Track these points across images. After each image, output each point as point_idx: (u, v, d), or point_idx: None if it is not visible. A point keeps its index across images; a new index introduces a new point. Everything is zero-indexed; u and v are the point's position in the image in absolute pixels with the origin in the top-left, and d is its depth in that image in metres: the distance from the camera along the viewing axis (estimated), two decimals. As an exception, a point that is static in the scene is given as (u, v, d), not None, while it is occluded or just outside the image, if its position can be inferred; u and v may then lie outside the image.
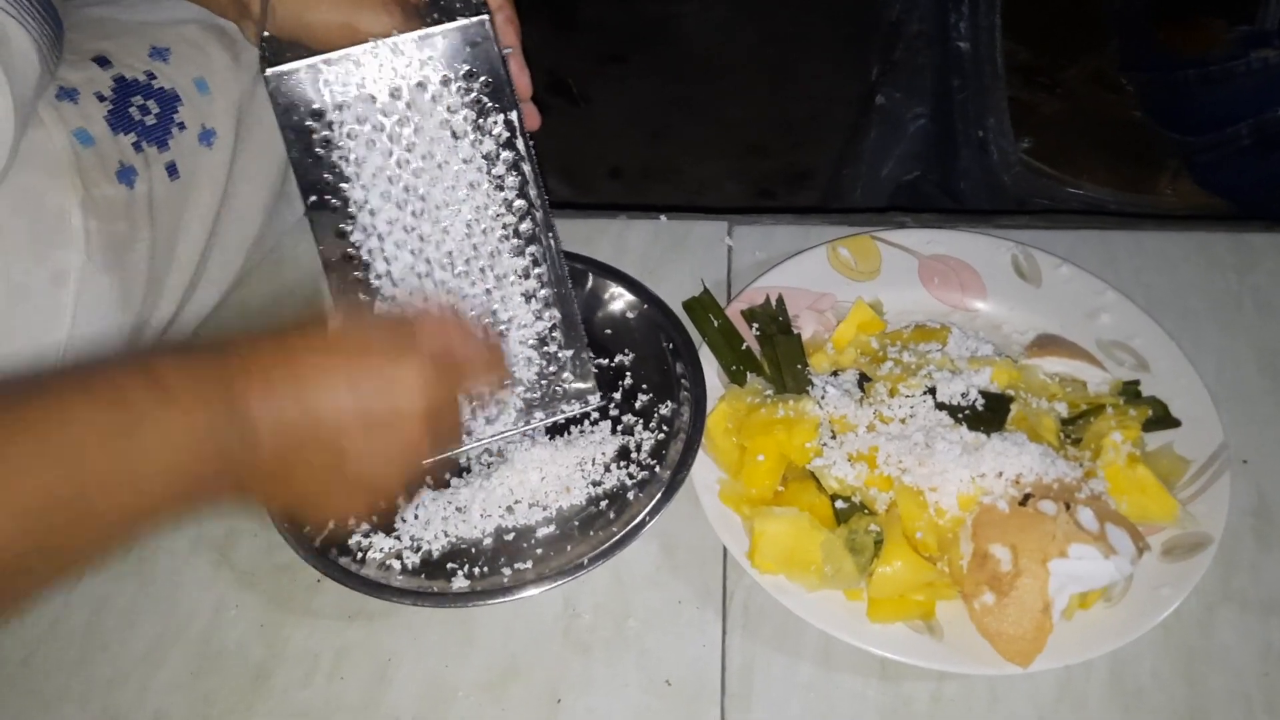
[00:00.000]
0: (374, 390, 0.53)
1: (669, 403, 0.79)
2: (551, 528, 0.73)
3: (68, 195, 0.68)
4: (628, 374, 0.81)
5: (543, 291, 0.71)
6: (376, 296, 0.68)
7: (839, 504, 0.70)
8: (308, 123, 0.62)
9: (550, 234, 0.69)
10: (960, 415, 0.72)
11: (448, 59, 0.62)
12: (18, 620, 0.71)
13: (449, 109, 0.63)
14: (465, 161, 0.65)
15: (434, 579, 0.71)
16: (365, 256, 0.66)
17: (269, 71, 0.59)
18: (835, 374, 0.78)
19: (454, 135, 0.64)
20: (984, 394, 0.73)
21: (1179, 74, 1.33)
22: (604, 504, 0.74)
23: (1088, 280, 0.84)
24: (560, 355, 0.74)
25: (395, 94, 0.62)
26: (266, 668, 0.69)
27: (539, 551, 0.72)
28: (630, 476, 0.75)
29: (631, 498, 0.74)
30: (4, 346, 0.66)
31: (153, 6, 0.77)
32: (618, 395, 0.80)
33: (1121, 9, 1.46)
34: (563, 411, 0.76)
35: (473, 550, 0.72)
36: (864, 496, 0.70)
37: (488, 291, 0.70)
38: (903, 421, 0.73)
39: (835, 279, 0.86)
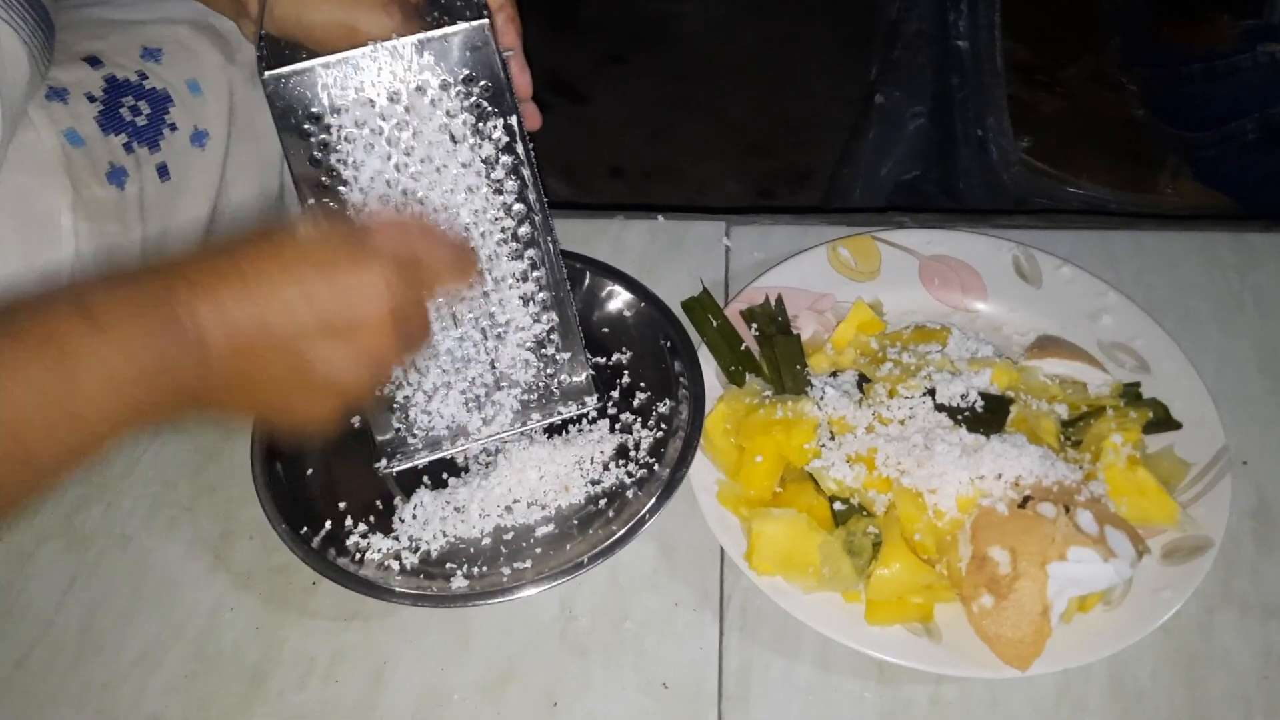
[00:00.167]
0: (331, 297, 0.51)
1: (667, 401, 0.78)
2: (550, 527, 0.73)
3: (58, 196, 0.67)
4: (625, 372, 0.81)
5: (541, 294, 0.71)
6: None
7: (837, 505, 0.70)
8: (305, 125, 0.61)
9: (549, 237, 0.69)
10: (960, 417, 0.72)
11: (447, 63, 0.61)
12: (12, 622, 0.71)
13: (448, 113, 0.62)
14: (464, 165, 0.64)
15: (433, 579, 0.70)
16: None
17: (267, 74, 0.59)
18: (834, 375, 0.77)
19: (453, 139, 0.63)
20: (984, 395, 0.73)
21: (1183, 69, 1.32)
22: (603, 502, 0.74)
23: (1089, 281, 0.84)
24: (558, 357, 0.74)
25: (394, 98, 0.61)
26: (262, 670, 0.69)
27: (538, 551, 0.72)
28: (629, 475, 0.75)
29: (630, 496, 0.74)
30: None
31: (145, 6, 0.77)
32: (616, 394, 0.80)
33: (1124, 5, 1.45)
34: (560, 413, 0.76)
35: (471, 550, 0.72)
36: (862, 498, 0.70)
37: (485, 294, 0.69)
38: (902, 423, 0.73)
39: (835, 279, 0.85)
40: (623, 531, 0.70)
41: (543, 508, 0.74)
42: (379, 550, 0.72)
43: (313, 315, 0.51)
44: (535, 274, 0.70)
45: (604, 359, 0.82)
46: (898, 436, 0.71)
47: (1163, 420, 0.75)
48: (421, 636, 0.70)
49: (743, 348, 0.80)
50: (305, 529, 0.71)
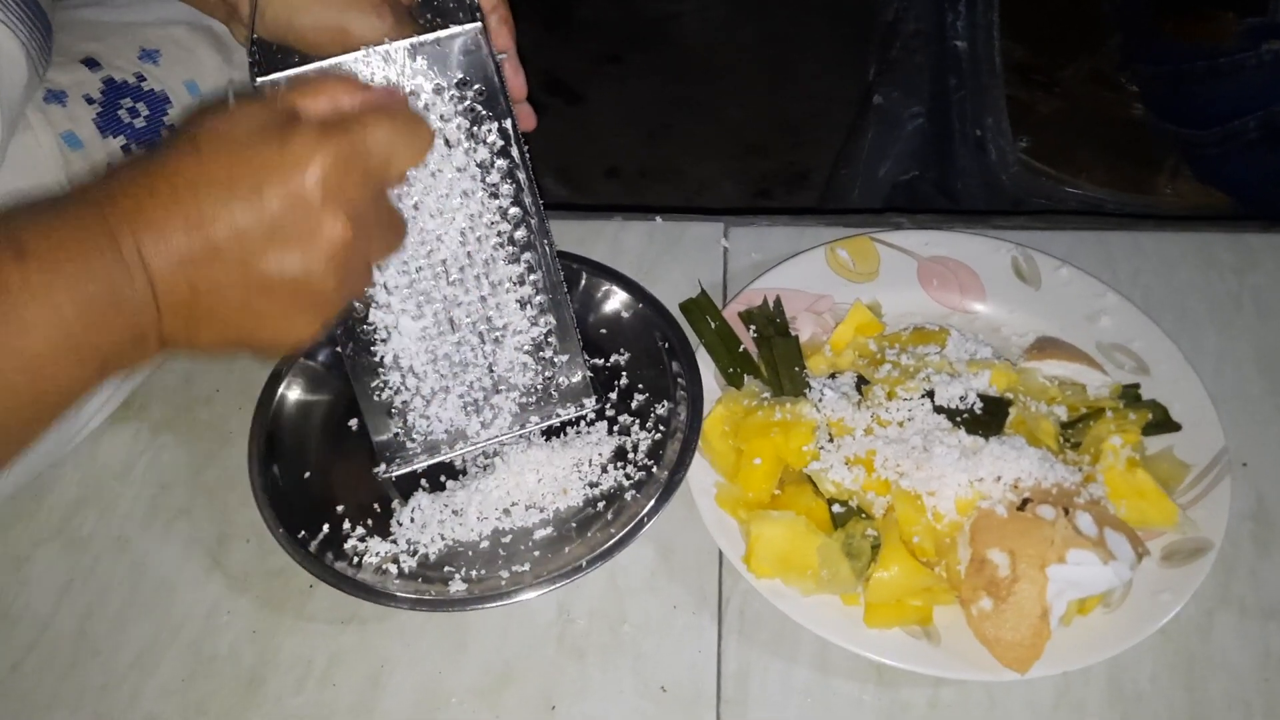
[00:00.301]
0: (269, 195, 0.47)
1: (665, 402, 0.78)
2: (549, 529, 0.73)
3: None
4: (623, 374, 0.81)
5: (538, 298, 0.71)
6: (370, 304, 0.67)
7: (836, 508, 0.70)
8: None
9: (545, 240, 0.69)
10: (959, 419, 0.72)
11: (441, 67, 0.61)
12: (9, 624, 0.71)
13: (442, 117, 0.62)
14: (459, 170, 0.64)
15: (431, 582, 0.70)
16: None
17: (259, 80, 0.58)
18: (833, 376, 0.77)
19: (447, 144, 0.63)
20: (982, 397, 0.73)
21: (1185, 67, 1.32)
22: (601, 505, 0.74)
23: (1088, 282, 0.84)
24: (556, 360, 0.74)
25: None
26: (259, 673, 0.69)
27: (536, 554, 0.72)
28: (627, 477, 0.75)
29: (629, 498, 0.74)
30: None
31: (142, 8, 0.77)
32: (613, 395, 0.80)
33: (1125, 2, 1.45)
34: (559, 415, 0.76)
35: (469, 553, 0.72)
36: (861, 500, 0.70)
37: (482, 298, 0.69)
38: (900, 425, 0.72)
39: (833, 280, 0.85)
40: (621, 534, 0.70)
41: (541, 510, 0.74)
42: (377, 553, 0.72)
43: (254, 221, 0.47)
44: (532, 277, 0.70)
45: (602, 360, 0.82)
46: (896, 439, 0.71)
47: (1162, 422, 0.74)
48: (419, 640, 0.70)
49: (741, 349, 0.80)
50: (303, 532, 0.71)
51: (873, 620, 0.66)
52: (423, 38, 0.59)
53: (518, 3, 0.68)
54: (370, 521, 0.73)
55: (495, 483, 0.74)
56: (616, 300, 0.84)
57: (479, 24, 0.60)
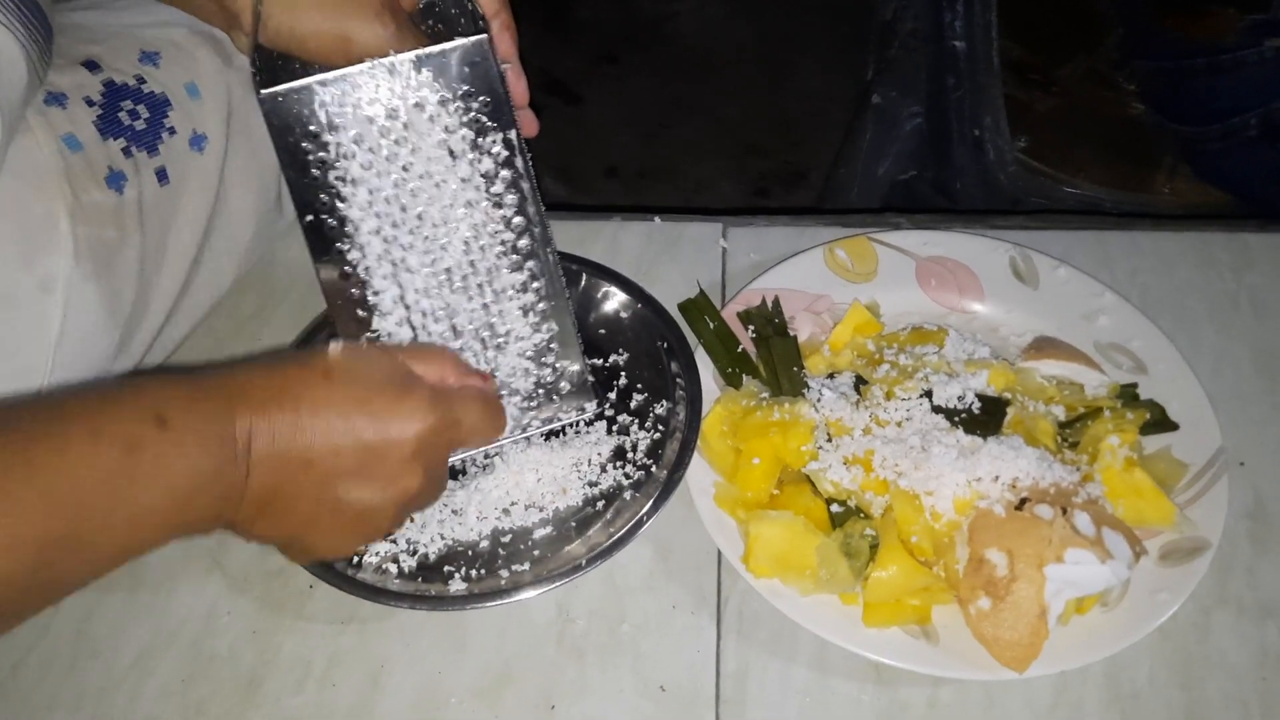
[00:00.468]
0: (372, 433, 0.54)
1: (664, 402, 0.78)
2: (548, 529, 0.73)
3: (56, 202, 0.67)
4: (622, 374, 0.81)
5: (540, 305, 0.71)
6: (375, 313, 0.67)
7: (834, 508, 0.70)
8: (303, 143, 0.61)
9: (548, 248, 0.69)
10: (957, 418, 0.72)
11: (446, 79, 0.61)
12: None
13: (446, 129, 0.62)
14: (463, 180, 0.64)
15: (431, 582, 0.70)
16: (362, 274, 0.66)
17: (264, 93, 0.58)
18: (831, 376, 0.77)
19: (452, 155, 0.63)
20: (980, 397, 0.73)
21: (1186, 63, 1.32)
22: (600, 504, 0.74)
23: (1086, 282, 0.84)
24: (558, 365, 0.74)
25: (392, 114, 0.61)
26: (258, 674, 0.69)
27: (536, 553, 0.72)
28: (626, 477, 0.75)
29: (628, 498, 0.74)
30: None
31: (142, 10, 0.77)
32: (613, 395, 0.80)
33: (1125, -1, 1.45)
34: (560, 419, 0.76)
35: (469, 553, 0.72)
36: (859, 500, 0.70)
37: (485, 306, 0.69)
38: (899, 425, 0.73)
39: (832, 280, 0.85)
40: (620, 534, 0.70)
41: (540, 510, 0.74)
42: (376, 553, 0.72)
43: (352, 447, 0.53)
44: (535, 285, 0.70)
45: (601, 360, 0.82)
46: (895, 438, 0.71)
47: (1160, 421, 0.75)
48: (418, 640, 0.70)
49: (739, 349, 0.80)
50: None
51: (871, 620, 0.66)
52: (428, 50, 0.59)
53: (516, 4, 0.68)
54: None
55: (495, 482, 0.74)
56: (615, 300, 0.84)
57: (485, 35, 0.60)
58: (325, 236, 0.64)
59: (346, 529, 0.57)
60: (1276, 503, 0.75)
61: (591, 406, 0.76)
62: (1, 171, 0.65)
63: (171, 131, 0.74)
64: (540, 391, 0.74)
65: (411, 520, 0.73)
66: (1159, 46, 1.37)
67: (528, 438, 0.76)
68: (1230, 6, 1.31)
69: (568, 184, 1.97)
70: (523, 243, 0.68)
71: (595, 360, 0.81)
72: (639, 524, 0.70)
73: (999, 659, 0.64)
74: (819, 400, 0.74)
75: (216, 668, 0.69)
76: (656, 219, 0.94)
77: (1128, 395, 0.77)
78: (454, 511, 0.74)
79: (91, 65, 0.72)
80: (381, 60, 0.59)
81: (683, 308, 0.83)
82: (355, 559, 0.71)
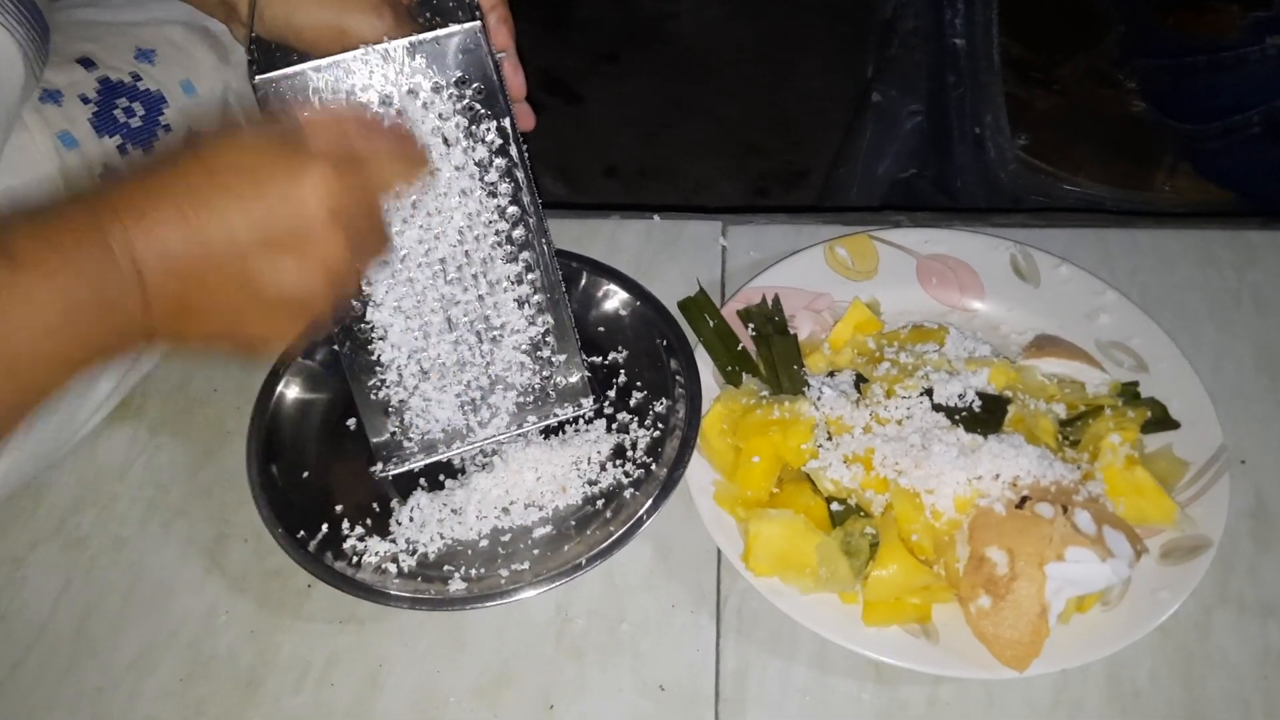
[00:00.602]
0: (269, 205, 0.49)
1: (664, 400, 0.78)
2: (548, 528, 0.73)
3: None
4: (621, 371, 0.81)
5: (536, 297, 0.71)
6: (369, 304, 0.67)
7: (834, 506, 0.70)
8: None
9: (543, 240, 0.68)
10: (957, 417, 0.72)
11: (439, 66, 0.61)
12: (6, 626, 0.71)
13: (440, 116, 0.62)
14: (457, 169, 0.64)
15: (431, 582, 0.70)
16: None
17: (258, 78, 0.58)
18: (831, 375, 0.77)
19: (446, 142, 0.63)
20: (981, 395, 0.73)
21: (1187, 60, 1.31)
22: (600, 503, 0.74)
23: (1087, 280, 0.84)
24: (554, 360, 0.74)
25: (386, 101, 0.61)
26: (257, 674, 0.68)
27: (535, 552, 0.72)
28: (626, 475, 0.75)
29: (628, 496, 0.74)
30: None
31: (138, 7, 0.77)
32: (612, 393, 0.80)
33: (1127, -4, 1.45)
34: (556, 414, 0.76)
35: (469, 552, 0.72)
36: (859, 499, 0.70)
37: (480, 298, 0.69)
38: (899, 423, 0.72)
39: (832, 279, 0.85)
40: (620, 532, 0.70)
41: (540, 509, 0.74)
42: (376, 553, 0.71)
43: (251, 228, 0.49)
44: (530, 276, 0.70)
45: (600, 358, 0.82)
46: (895, 437, 0.71)
47: (1161, 419, 0.74)
48: (417, 639, 0.70)
49: (739, 348, 0.80)
50: (301, 532, 0.71)
51: (871, 618, 0.66)
52: (421, 36, 0.59)
53: (516, 2, 0.68)
54: (369, 521, 0.73)
55: (494, 481, 0.74)
56: (615, 299, 0.84)
57: (478, 22, 0.60)
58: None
59: (280, 311, 0.53)
60: (1278, 501, 0.74)
61: (589, 403, 0.76)
62: (-2, 168, 0.65)
63: (167, 129, 0.74)
64: (536, 386, 0.74)
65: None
66: (1160, 44, 1.37)
67: (525, 434, 0.76)
68: (1232, 4, 1.30)
69: (567, 183, 1.97)
70: (517, 233, 0.67)
71: (595, 358, 0.81)
72: (638, 523, 0.70)
73: (999, 658, 0.64)
74: (819, 398, 0.73)
75: (215, 667, 0.69)
76: (656, 217, 0.94)
77: (1129, 393, 0.76)
78: (453, 510, 0.73)
79: (87, 63, 0.72)
80: (376, 46, 0.59)
81: (682, 306, 0.83)
82: (355, 559, 0.71)
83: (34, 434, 0.73)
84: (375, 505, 0.74)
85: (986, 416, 0.72)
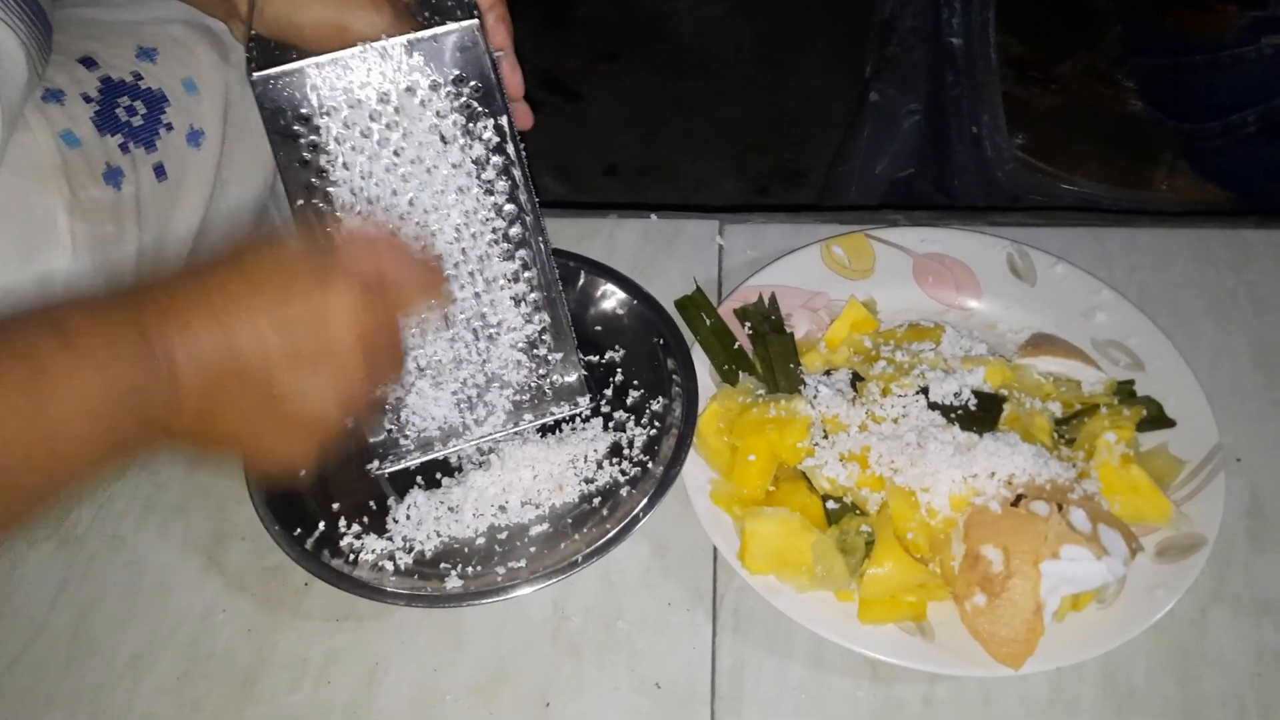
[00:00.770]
0: (299, 322, 0.51)
1: (661, 398, 0.78)
2: (544, 526, 0.73)
3: (54, 198, 0.67)
4: (618, 370, 0.81)
5: (532, 295, 0.71)
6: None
7: (830, 504, 0.70)
8: (295, 126, 0.61)
9: (540, 238, 0.69)
10: (953, 415, 0.72)
11: (437, 63, 0.61)
12: (4, 624, 0.71)
13: (438, 113, 0.62)
14: (454, 166, 0.64)
15: (427, 579, 0.70)
16: None
17: (255, 75, 0.59)
18: (828, 373, 0.77)
19: (443, 140, 0.63)
20: (977, 394, 0.73)
21: (1185, 60, 1.31)
22: (597, 501, 0.74)
23: (1083, 279, 0.84)
24: (551, 358, 0.74)
25: (384, 98, 0.61)
26: (255, 672, 0.69)
27: (532, 550, 0.72)
28: (623, 473, 0.75)
29: (624, 494, 0.74)
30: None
31: (139, 6, 0.77)
32: (609, 391, 0.80)
33: (1126, -6, 1.45)
34: (553, 413, 0.76)
35: (466, 550, 0.72)
36: (855, 497, 0.70)
37: (477, 295, 0.69)
38: (895, 421, 0.73)
39: (829, 277, 0.85)
40: (616, 530, 0.70)
41: (536, 506, 0.74)
42: (373, 551, 0.72)
43: (280, 342, 0.51)
44: (527, 274, 0.70)
45: (597, 357, 0.82)
46: (891, 435, 0.71)
47: (1156, 418, 0.74)
48: (414, 637, 0.70)
49: (736, 346, 0.80)
50: (299, 530, 0.71)
51: (867, 616, 0.66)
52: (419, 34, 0.60)
53: (516, 1, 0.68)
54: (366, 519, 0.73)
55: (491, 479, 0.74)
56: (612, 297, 0.84)
57: (475, 21, 0.60)
58: (316, 221, 0.64)
59: (295, 428, 0.54)
60: (1273, 499, 0.75)
61: (585, 401, 0.76)
62: (0, 168, 0.65)
63: (169, 127, 0.74)
64: (532, 384, 0.74)
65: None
66: (1158, 43, 1.37)
67: (522, 432, 0.76)
68: (1230, 3, 1.30)
69: (567, 182, 1.97)
70: (514, 231, 0.68)
71: (592, 357, 0.81)
72: (635, 521, 0.70)
73: (995, 656, 0.64)
74: (815, 397, 0.74)
75: (213, 665, 0.69)
76: (653, 216, 0.94)
77: (1125, 392, 0.76)
78: (450, 508, 0.74)
79: (89, 62, 0.72)
80: (374, 44, 0.59)
81: (679, 304, 0.83)
82: (352, 556, 0.71)
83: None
84: (372, 503, 0.74)
85: (982, 415, 0.72)
